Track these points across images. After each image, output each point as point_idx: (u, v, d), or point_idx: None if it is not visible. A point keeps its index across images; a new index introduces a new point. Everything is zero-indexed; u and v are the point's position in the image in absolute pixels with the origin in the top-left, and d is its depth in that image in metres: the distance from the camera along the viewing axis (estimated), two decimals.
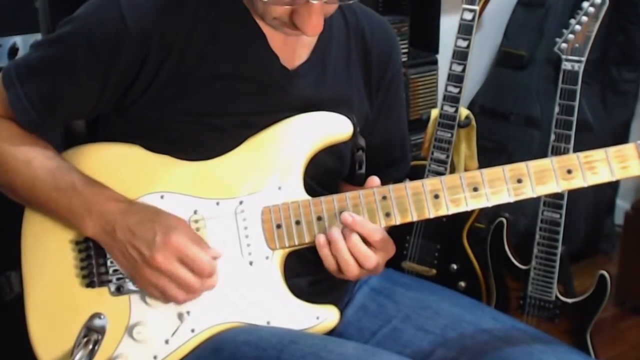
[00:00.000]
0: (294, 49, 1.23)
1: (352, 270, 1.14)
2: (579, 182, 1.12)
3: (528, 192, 1.13)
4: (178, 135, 1.20)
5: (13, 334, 1.21)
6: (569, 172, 1.12)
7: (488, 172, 1.14)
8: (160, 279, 1.12)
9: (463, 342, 1.23)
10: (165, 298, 1.14)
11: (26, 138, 1.21)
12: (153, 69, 1.16)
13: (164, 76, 1.17)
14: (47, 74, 1.18)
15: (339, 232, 1.14)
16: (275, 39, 1.21)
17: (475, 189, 1.13)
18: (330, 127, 1.22)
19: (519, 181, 1.13)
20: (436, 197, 1.14)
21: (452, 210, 1.14)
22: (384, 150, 1.40)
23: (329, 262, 1.15)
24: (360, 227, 1.13)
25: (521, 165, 1.13)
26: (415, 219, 1.15)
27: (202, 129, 1.20)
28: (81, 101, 1.19)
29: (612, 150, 1.11)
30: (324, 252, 1.15)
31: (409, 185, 1.15)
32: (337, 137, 1.22)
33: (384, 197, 1.15)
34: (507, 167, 1.13)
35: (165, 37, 1.16)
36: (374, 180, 1.18)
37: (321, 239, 1.15)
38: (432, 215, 1.15)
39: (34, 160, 1.19)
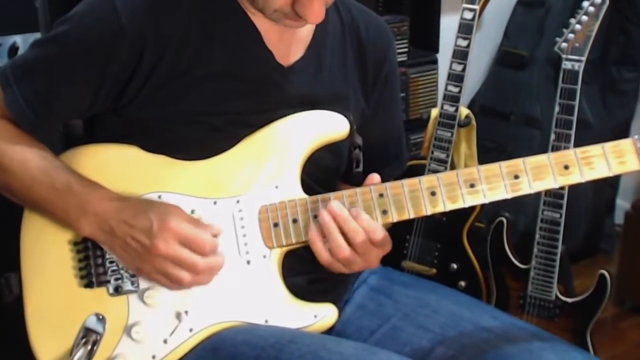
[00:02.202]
0: (289, 46, 1.23)
1: (342, 251, 1.13)
2: (576, 177, 1.12)
3: (525, 188, 1.12)
4: (175, 135, 1.20)
5: (12, 335, 1.21)
6: (566, 167, 1.12)
7: (485, 168, 1.13)
8: (165, 264, 1.12)
9: (462, 340, 1.23)
10: (173, 283, 1.14)
11: (22, 138, 1.21)
12: (148, 68, 1.16)
13: (159, 75, 1.17)
14: (44, 73, 1.18)
15: (328, 215, 1.13)
16: (270, 36, 1.21)
17: (472, 185, 1.13)
18: (327, 126, 1.22)
19: (516, 177, 1.12)
20: (433, 194, 1.14)
21: (449, 206, 1.14)
22: (380, 148, 1.39)
23: (322, 256, 1.14)
24: (366, 224, 1.13)
25: (518, 162, 1.12)
26: (412, 215, 1.15)
27: (198, 129, 1.20)
28: (78, 100, 1.20)
29: (609, 145, 1.11)
30: (317, 247, 1.14)
31: (406, 183, 1.15)
32: (334, 135, 1.22)
33: (381, 195, 1.15)
34: (504, 164, 1.13)
35: (161, 37, 1.16)
36: (374, 177, 1.18)
37: (313, 235, 1.14)
38: (429, 212, 1.14)
39: (30, 160, 1.19)
